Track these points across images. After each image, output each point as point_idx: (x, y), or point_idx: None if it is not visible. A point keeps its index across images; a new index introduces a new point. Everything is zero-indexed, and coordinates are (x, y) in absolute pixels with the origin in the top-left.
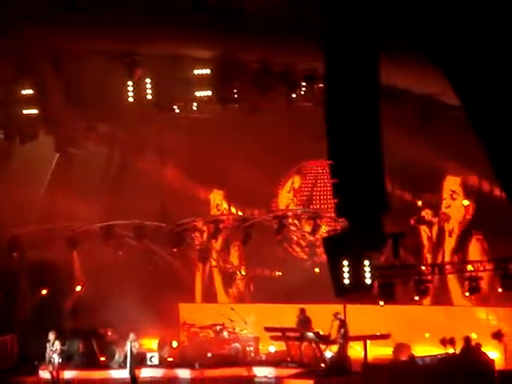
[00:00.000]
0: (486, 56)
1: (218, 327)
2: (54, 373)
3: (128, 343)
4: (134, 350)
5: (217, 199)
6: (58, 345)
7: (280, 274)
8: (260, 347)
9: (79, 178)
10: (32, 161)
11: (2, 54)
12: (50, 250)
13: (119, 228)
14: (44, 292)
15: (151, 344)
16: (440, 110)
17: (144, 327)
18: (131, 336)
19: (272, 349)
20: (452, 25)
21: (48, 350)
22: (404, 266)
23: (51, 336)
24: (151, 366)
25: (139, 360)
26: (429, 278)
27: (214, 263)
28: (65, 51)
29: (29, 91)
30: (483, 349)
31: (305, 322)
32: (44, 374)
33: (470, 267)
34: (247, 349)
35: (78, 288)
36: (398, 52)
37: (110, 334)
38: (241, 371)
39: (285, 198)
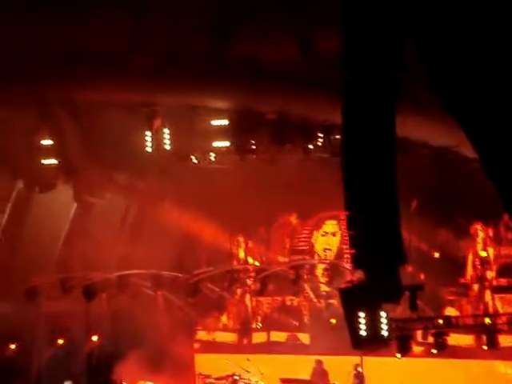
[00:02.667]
0: (503, 109)
1: (235, 377)
2: None
3: None
4: None
5: (234, 249)
6: None
7: (297, 324)
8: None
9: (97, 228)
10: (51, 210)
11: (21, 104)
12: (67, 300)
13: (136, 278)
14: (61, 342)
15: None
16: (457, 162)
17: (160, 378)
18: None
19: None
20: (470, 77)
21: None
22: (421, 318)
23: None
24: None
25: None
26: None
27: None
28: (83, 101)
29: (48, 141)
30: None
31: (321, 373)
32: None
33: (487, 320)
34: None
35: (95, 338)
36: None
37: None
38: None
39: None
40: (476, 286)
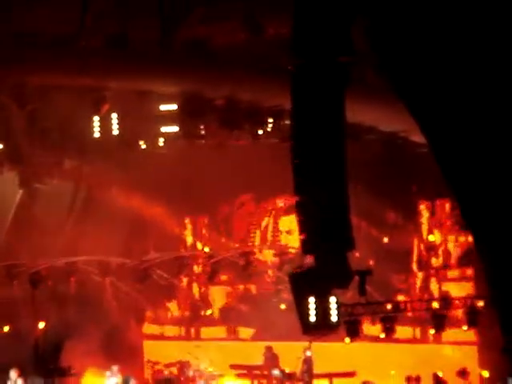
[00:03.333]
0: (454, 94)
1: (184, 364)
2: None
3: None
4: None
5: (183, 234)
6: (20, 383)
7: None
8: None
9: (43, 214)
10: None
11: None
12: (13, 287)
13: (83, 264)
14: (6, 329)
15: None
16: (406, 148)
17: (108, 364)
18: (114, 368)
19: None
20: (420, 63)
21: None
22: (370, 302)
23: (13, 374)
24: None
25: None
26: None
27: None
28: (29, 86)
29: None
30: None
31: (272, 359)
32: None
33: (435, 304)
34: None
35: (42, 325)
36: (365, 89)
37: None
38: None
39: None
40: (421, 274)
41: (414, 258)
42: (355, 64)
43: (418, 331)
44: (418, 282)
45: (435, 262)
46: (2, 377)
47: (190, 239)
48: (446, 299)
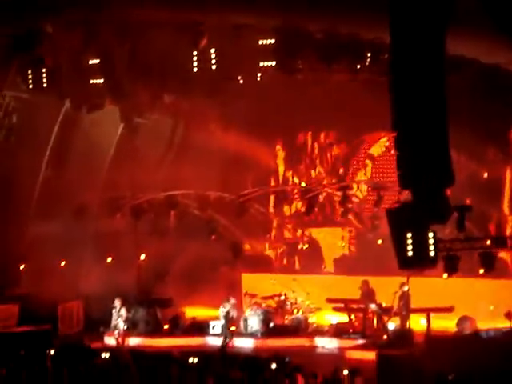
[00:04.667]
0: None
1: (281, 297)
2: (119, 339)
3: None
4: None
5: (281, 170)
6: (123, 312)
7: (343, 245)
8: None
9: (144, 148)
10: (98, 130)
11: (68, 24)
12: (115, 219)
13: (182, 198)
14: (109, 260)
15: (213, 313)
16: (506, 79)
17: (206, 296)
18: (232, 300)
19: (334, 320)
20: None
21: (114, 316)
22: (469, 238)
23: (117, 303)
24: (214, 335)
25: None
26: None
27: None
28: (131, 21)
29: (95, 61)
30: None
31: (368, 293)
32: (109, 340)
33: None
34: (309, 320)
35: (143, 256)
36: (466, 22)
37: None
38: (302, 341)
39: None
40: None
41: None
42: None
43: None
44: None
45: None
46: (108, 305)
47: (281, 170)
48: None
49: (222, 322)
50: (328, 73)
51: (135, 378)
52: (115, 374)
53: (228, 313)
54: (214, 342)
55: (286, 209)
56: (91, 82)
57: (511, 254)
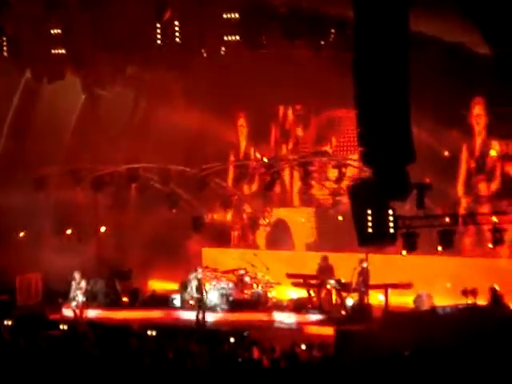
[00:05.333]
0: None
1: (240, 272)
2: (78, 311)
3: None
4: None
5: (242, 145)
6: (83, 284)
7: (303, 220)
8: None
9: (105, 120)
10: (59, 101)
11: None
12: (76, 191)
13: (144, 171)
14: (69, 232)
15: (173, 286)
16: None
17: (167, 270)
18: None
19: (293, 295)
20: None
21: (73, 288)
22: (428, 216)
23: (77, 275)
24: (174, 309)
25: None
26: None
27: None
28: None
29: (57, 30)
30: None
31: (327, 269)
32: (67, 312)
33: (494, 218)
34: (268, 294)
35: (103, 229)
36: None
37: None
38: (261, 316)
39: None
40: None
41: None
42: None
43: (475, 244)
44: None
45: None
46: (66, 277)
47: (243, 145)
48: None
49: (195, 293)
50: (292, 48)
51: (93, 350)
52: (73, 345)
53: (199, 284)
54: (174, 315)
55: (246, 188)
56: (52, 51)
57: (467, 231)
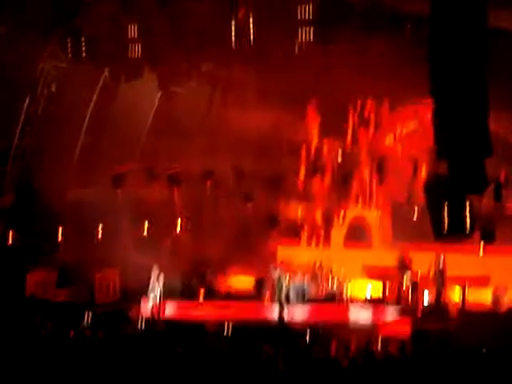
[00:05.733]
0: None
1: (316, 266)
2: (156, 307)
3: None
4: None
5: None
6: (161, 280)
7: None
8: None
9: (181, 117)
10: (136, 99)
11: None
12: (152, 188)
13: (219, 168)
14: (146, 228)
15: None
16: None
17: (243, 266)
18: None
19: (369, 290)
20: None
21: (151, 284)
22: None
23: (155, 271)
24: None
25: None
26: None
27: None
28: None
29: (133, 29)
30: None
31: (405, 262)
32: (146, 308)
33: None
34: (344, 291)
35: (179, 226)
36: None
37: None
38: (337, 312)
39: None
40: None
41: None
42: None
43: None
44: None
45: None
46: (143, 274)
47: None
48: None
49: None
50: (367, 43)
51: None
52: (150, 343)
53: (279, 280)
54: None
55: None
56: (130, 50)
57: None
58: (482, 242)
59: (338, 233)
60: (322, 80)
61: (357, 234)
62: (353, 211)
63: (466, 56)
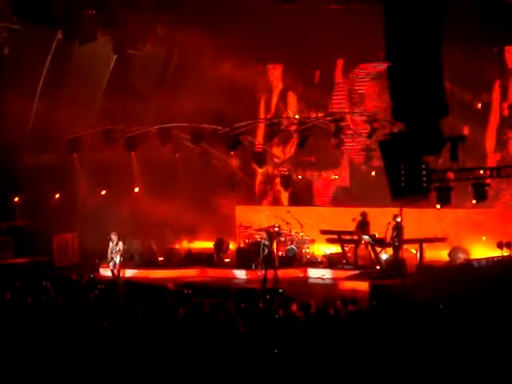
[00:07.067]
0: None
1: (275, 229)
2: (115, 271)
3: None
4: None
5: (273, 101)
6: (120, 244)
7: (336, 177)
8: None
9: (137, 80)
10: (91, 62)
11: None
12: (109, 152)
13: (176, 130)
14: (103, 193)
15: (209, 245)
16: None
17: (200, 228)
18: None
19: (327, 251)
20: None
21: (110, 249)
22: (461, 169)
23: (114, 236)
24: (209, 267)
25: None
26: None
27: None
28: None
29: None
30: None
31: (364, 225)
32: (105, 272)
33: None
34: (303, 251)
35: (137, 189)
36: None
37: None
38: (296, 272)
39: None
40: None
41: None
42: None
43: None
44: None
45: None
46: (101, 238)
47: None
48: None
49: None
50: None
51: (130, 309)
52: (111, 304)
53: (266, 245)
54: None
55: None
56: (83, 12)
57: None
58: (438, 202)
59: (295, 194)
60: (279, 39)
61: (317, 195)
62: (312, 173)
63: (421, 14)
